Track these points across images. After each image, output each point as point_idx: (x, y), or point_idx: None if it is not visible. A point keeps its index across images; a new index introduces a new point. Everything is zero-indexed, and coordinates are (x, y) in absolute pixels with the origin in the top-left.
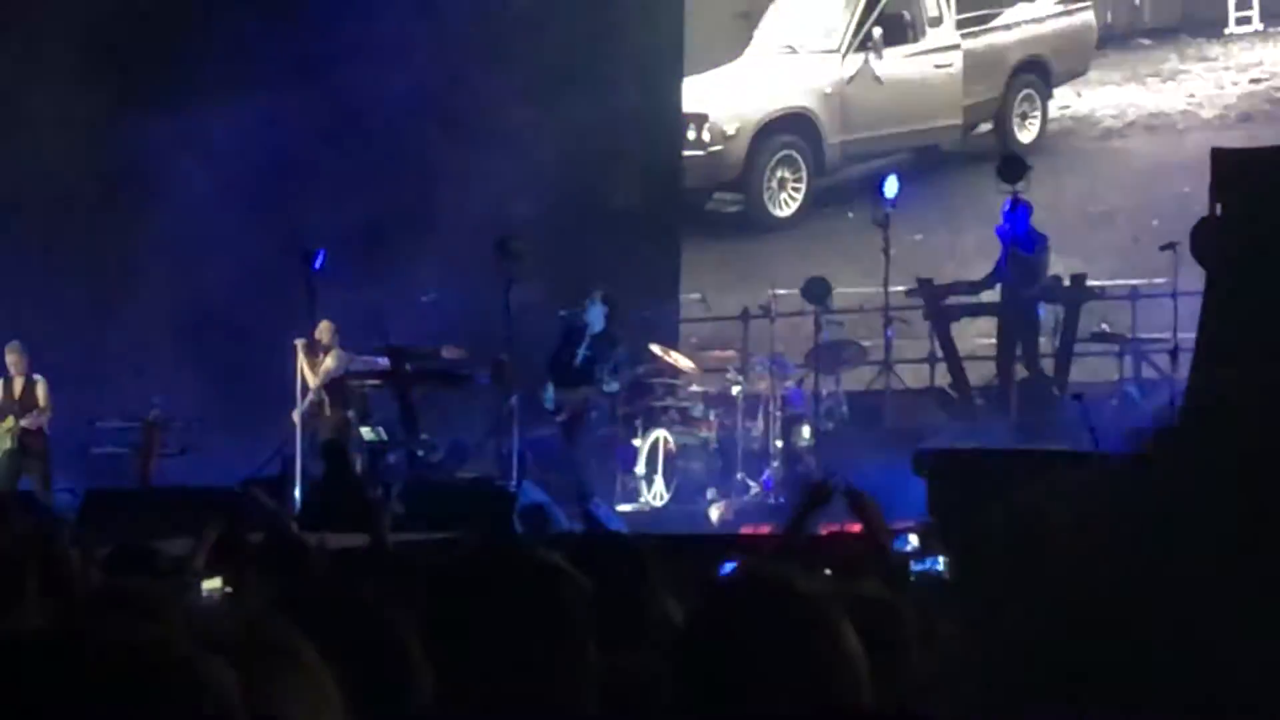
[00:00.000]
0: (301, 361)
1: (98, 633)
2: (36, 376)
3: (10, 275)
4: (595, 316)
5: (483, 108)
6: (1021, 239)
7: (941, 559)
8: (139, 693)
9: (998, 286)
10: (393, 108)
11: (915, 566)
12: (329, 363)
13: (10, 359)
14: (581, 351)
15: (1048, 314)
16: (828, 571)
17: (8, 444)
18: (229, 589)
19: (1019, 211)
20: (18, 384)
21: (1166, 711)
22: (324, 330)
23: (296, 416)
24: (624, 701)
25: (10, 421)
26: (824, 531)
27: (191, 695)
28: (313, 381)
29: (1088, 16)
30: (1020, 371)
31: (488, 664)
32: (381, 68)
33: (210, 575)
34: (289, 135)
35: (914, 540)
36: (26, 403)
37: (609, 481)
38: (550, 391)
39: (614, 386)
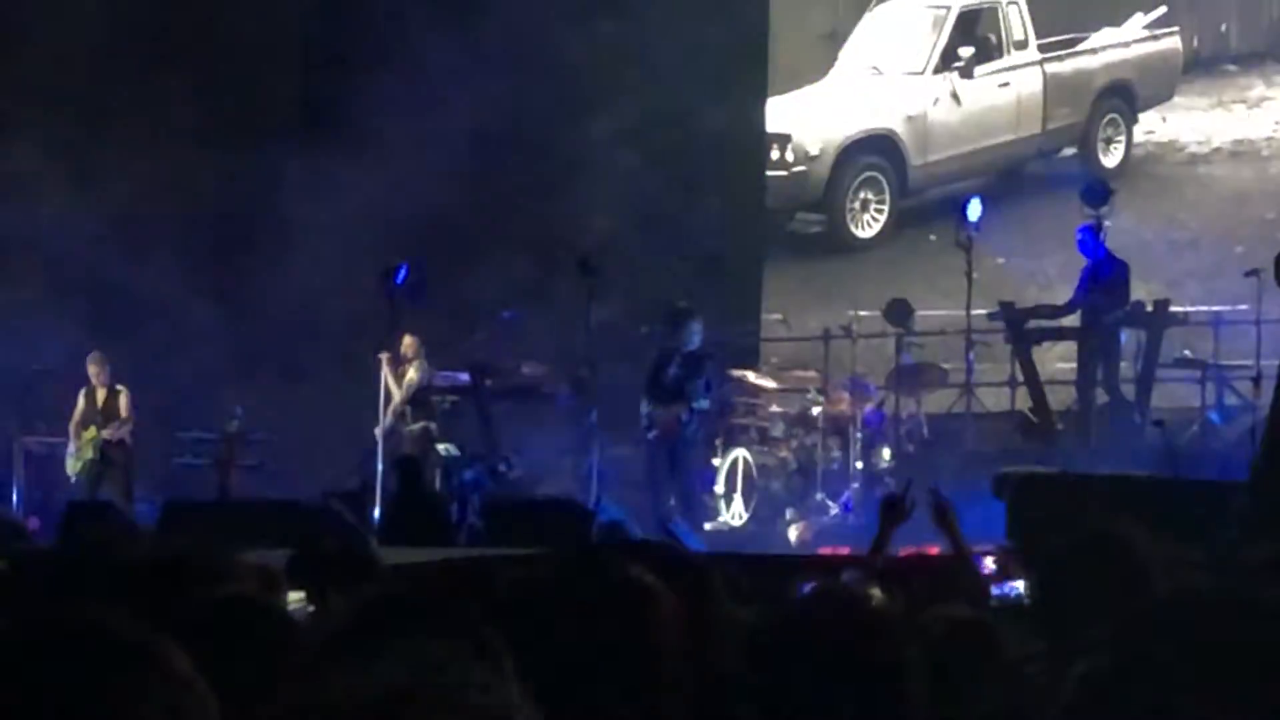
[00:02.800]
0: (386, 374)
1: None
2: (119, 387)
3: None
4: (689, 335)
5: (565, 127)
6: (1103, 264)
7: (1021, 583)
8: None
9: (1079, 311)
10: (478, 126)
11: (994, 590)
12: (412, 374)
13: (92, 369)
14: (673, 370)
15: (1129, 338)
16: (906, 592)
17: (90, 454)
18: (310, 604)
19: (1086, 237)
20: (100, 394)
21: None
22: (408, 345)
23: (379, 431)
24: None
25: (93, 432)
26: (904, 553)
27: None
28: (396, 395)
29: (1174, 42)
30: (1101, 396)
31: (573, 680)
32: (466, 90)
33: (294, 588)
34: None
35: (990, 563)
36: (109, 413)
37: (688, 501)
38: (645, 408)
39: (704, 404)
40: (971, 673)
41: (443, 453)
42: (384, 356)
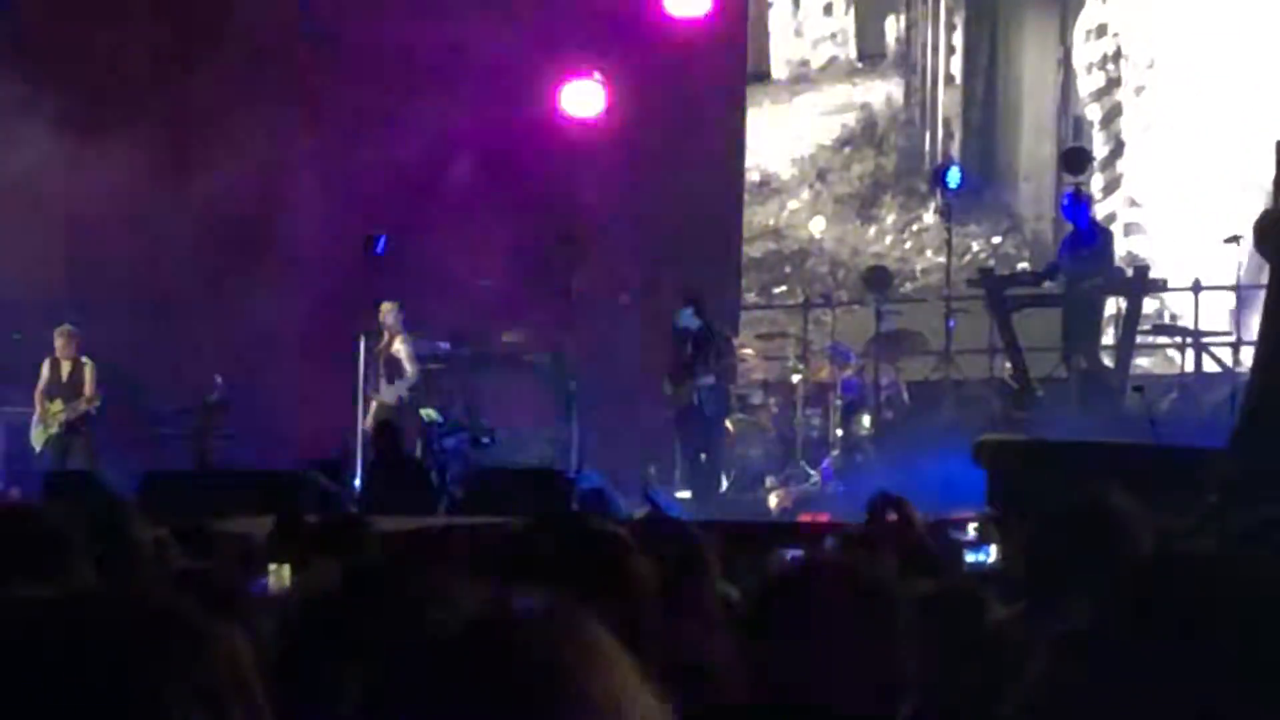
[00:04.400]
0: (370, 347)
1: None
2: (85, 360)
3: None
4: (687, 318)
5: (546, 98)
6: (1084, 232)
7: (992, 548)
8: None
9: (1061, 278)
10: (458, 94)
11: (968, 555)
12: (399, 346)
13: (59, 342)
14: (686, 349)
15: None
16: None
17: (54, 429)
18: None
19: (1081, 204)
20: (65, 367)
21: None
22: (386, 311)
23: (360, 402)
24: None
25: (59, 405)
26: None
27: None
28: (409, 369)
29: None
30: (1082, 363)
31: None
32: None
33: (276, 558)
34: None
35: (972, 530)
36: (74, 386)
37: (669, 468)
38: (666, 388)
39: (708, 380)
40: (953, 640)
41: (425, 419)
42: (361, 339)
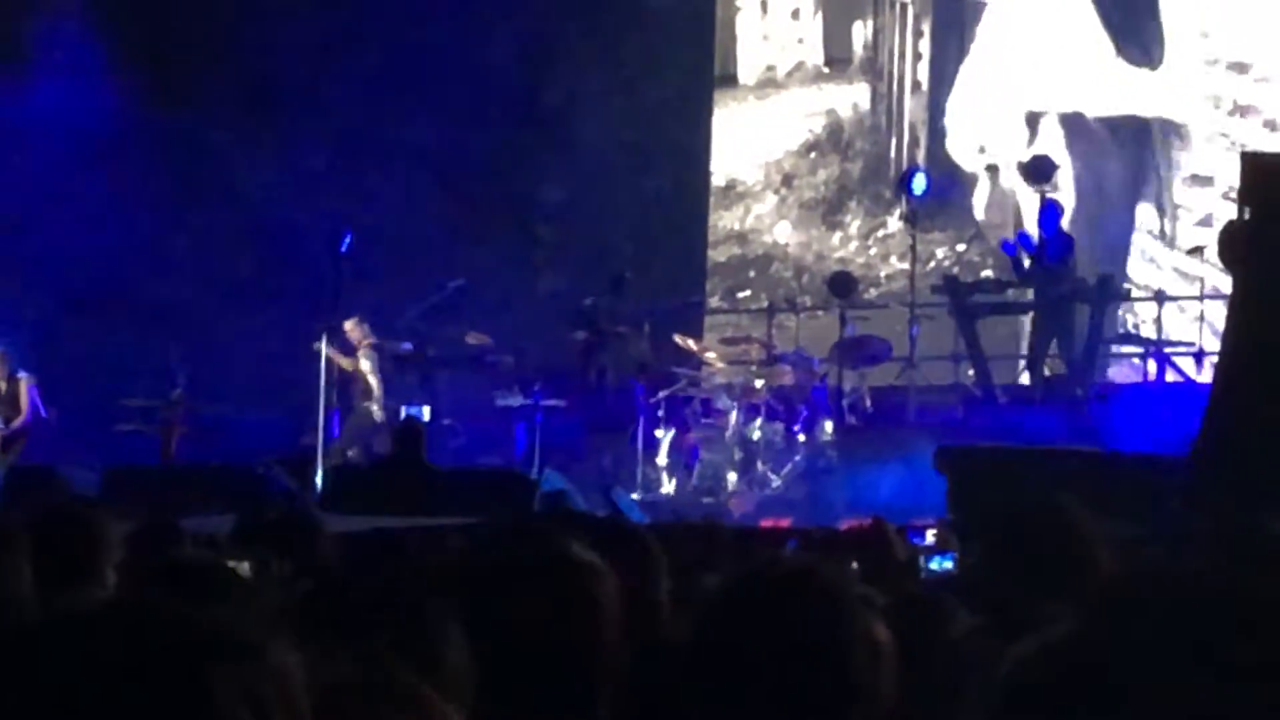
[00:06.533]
0: (329, 354)
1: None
2: (20, 375)
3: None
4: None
5: (517, 97)
6: (1049, 241)
7: (954, 556)
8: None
9: (1025, 286)
10: (423, 92)
11: (927, 562)
12: (365, 364)
13: None
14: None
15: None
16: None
17: None
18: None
19: (1049, 213)
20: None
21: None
22: (351, 329)
23: (321, 401)
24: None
25: None
26: (844, 526)
27: (251, 678)
28: (372, 384)
29: None
30: (1051, 370)
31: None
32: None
33: (236, 556)
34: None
35: (930, 536)
36: (10, 402)
37: (630, 471)
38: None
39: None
40: (913, 648)
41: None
42: (321, 346)
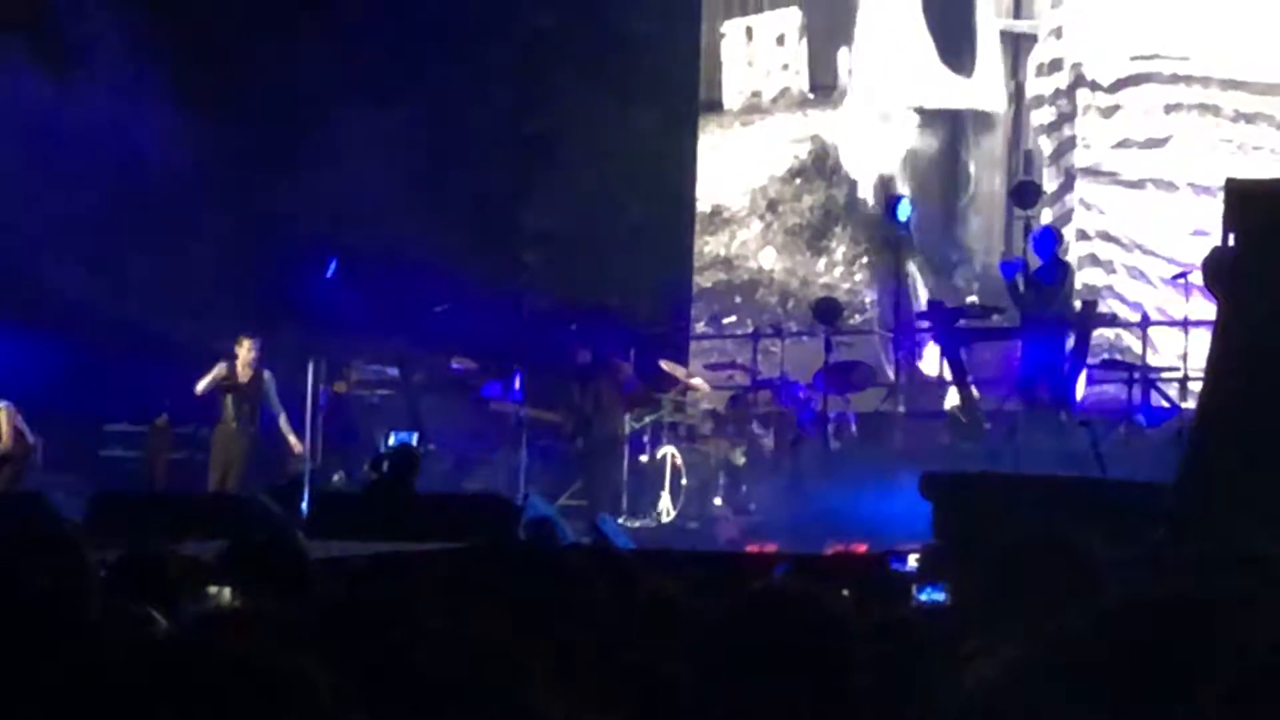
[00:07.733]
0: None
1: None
2: (2, 405)
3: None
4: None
5: (502, 124)
6: (1044, 266)
7: (943, 587)
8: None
9: (1012, 310)
10: (411, 118)
11: (917, 592)
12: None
13: None
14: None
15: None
16: (844, 592)
17: None
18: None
19: (1044, 239)
20: None
21: None
22: (248, 347)
23: (301, 438)
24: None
25: None
26: (831, 551)
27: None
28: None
29: None
30: (1044, 396)
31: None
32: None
33: (221, 583)
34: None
35: (913, 562)
36: None
37: (615, 497)
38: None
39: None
40: (905, 673)
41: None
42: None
